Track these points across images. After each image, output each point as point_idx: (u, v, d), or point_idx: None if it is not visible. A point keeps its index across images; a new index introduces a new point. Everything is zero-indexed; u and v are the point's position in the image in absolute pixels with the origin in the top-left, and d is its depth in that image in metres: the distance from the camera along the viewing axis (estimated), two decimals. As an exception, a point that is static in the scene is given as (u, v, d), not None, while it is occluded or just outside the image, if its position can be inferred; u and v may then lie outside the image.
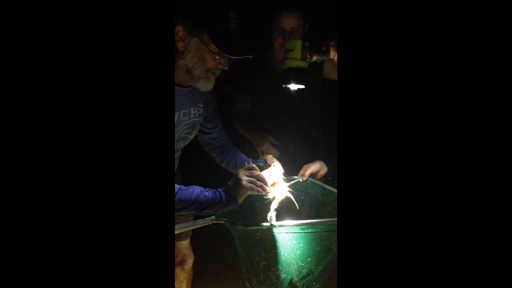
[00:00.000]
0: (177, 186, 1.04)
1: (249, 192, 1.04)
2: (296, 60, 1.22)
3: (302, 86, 1.32)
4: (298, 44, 1.22)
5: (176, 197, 1.01)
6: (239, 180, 1.04)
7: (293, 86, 1.31)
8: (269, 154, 1.54)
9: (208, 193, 1.04)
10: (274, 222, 1.03)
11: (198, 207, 1.03)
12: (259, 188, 1.05)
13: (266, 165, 1.32)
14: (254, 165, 1.10)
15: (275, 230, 1.06)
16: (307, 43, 1.24)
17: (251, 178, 1.05)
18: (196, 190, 1.03)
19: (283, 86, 1.32)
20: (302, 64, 1.23)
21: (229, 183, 1.06)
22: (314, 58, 1.27)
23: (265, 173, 1.12)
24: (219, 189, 1.05)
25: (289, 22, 1.50)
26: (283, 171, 1.25)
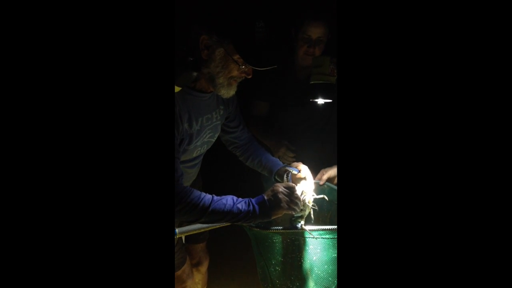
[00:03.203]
0: (209, 196, 1.03)
1: (284, 212, 1.04)
2: (324, 75, 1.27)
3: (330, 100, 1.34)
4: (326, 60, 1.27)
5: (210, 208, 1.01)
6: (277, 199, 1.03)
7: (321, 100, 1.35)
8: (287, 159, 1.54)
9: (240, 205, 1.03)
10: (303, 227, 1.05)
11: (232, 219, 1.02)
12: (294, 208, 1.05)
13: (298, 175, 1.31)
14: (292, 184, 1.09)
15: (293, 235, 1.06)
16: (334, 59, 1.28)
17: (288, 199, 1.04)
18: (228, 202, 1.03)
19: (311, 100, 1.34)
20: (331, 79, 1.28)
21: (264, 197, 1.05)
22: None
23: (299, 190, 1.11)
24: (252, 201, 1.04)
25: (316, 31, 1.49)
26: (314, 187, 1.24)
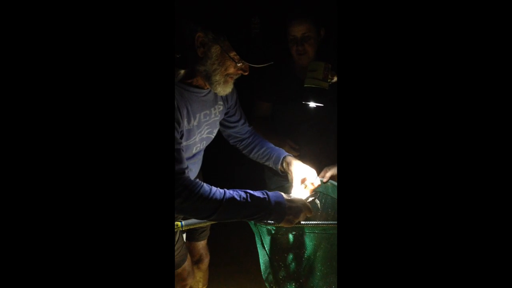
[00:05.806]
0: (221, 190, 1.00)
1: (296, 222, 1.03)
2: (318, 80, 1.30)
3: (321, 105, 1.36)
4: (321, 65, 1.29)
5: (223, 203, 0.97)
6: (298, 213, 1.02)
7: (312, 104, 1.37)
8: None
9: (256, 198, 0.99)
10: (307, 222, 1.04)
11: (247, 216, 1.00)
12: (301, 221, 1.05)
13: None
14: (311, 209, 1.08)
15: (296, 231, 1.06)
16: (329, 65, 1.31)
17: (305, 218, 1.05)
18: (243, 196, 1.00)
19: (303, 102, 1.36)
20: (323, 84, 1.30)
21: (284, 196, 1.03)
22: (335, 79, 1.33)
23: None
24: (272, 203, 1.00)
25: (298, 29, 1.50)
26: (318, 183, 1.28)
